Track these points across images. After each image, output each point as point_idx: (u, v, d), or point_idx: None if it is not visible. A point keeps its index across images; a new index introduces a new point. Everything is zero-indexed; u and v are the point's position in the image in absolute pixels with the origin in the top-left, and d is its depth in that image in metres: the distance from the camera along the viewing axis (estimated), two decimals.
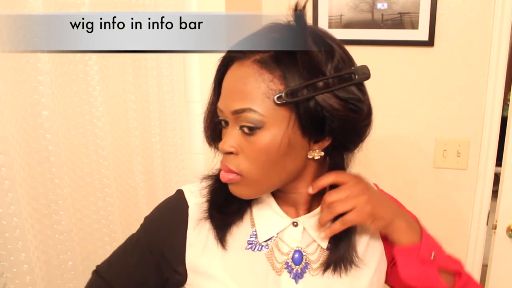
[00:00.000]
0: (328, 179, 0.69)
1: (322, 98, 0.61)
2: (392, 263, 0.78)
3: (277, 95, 0.61)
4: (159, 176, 1.26)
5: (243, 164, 0.64)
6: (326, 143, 0.66)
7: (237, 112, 0.63)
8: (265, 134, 0.62)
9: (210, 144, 0.73)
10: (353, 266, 0.72)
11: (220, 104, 0.66)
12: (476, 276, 1.51)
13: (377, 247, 0.77)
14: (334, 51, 0.64)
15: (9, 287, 0.84)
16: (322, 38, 0.65)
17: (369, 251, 0.76)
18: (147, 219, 0.78)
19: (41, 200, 0.91)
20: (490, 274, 1.44)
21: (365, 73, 0.64)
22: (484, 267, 1.49)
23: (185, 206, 0.74)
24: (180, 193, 0.76)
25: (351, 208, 0.67)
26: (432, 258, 0.70)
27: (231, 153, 0.65)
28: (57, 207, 0.93)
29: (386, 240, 0.76)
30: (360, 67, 0.65)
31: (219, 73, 0.68)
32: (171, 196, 0.78)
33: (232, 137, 0.65)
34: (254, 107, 0.62)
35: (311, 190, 0.70)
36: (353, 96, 0.63)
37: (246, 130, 0.63)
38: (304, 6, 0.63)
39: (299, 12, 0.63)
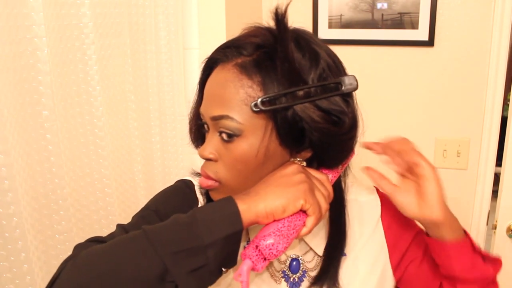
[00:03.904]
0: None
1: (301, 108, 0.58)
2: (403, 269, 0.75)
3: (254, 103, 0.58)
4: (159, 176, 1.26)
5: (222, 171, 0.62)
6: (308, 154, 0.63)
7: (216, 119, 0.61)
8: (243, 142, 0.60)
9: (196, 147, 0.72)
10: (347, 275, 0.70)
11: (202, 108, 0.65)
12: None
13: (380, 257, 0.73)
14: (319, 58, 0.60)
15: (9, 287, 0.84)
16: (308, 44, 0.61)
17: (370, 262, 0.72)
18: (158, 195, 0.75)
19: (41, 200, 0.91)
20: None
21: (352, 84, 0.61)
22: None
23: (193, 187, 0.73)
24: (184, 180, 0.75)
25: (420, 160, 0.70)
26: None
27: (210, 159, 0.63)
28: (57, 207, 0.93)
29: (395, 250, 0.74)
30: (347, 77, 0.61)
31: (203, 75, 0.67)
32: (177, 181, 0.76)
33: (211, 143, 0.63)
34: (232, 114, 0.59)
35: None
36: (336, 107, 0.60)
37: (224, 137, 0.61)
38: (286, 10, 0.59)
39: (279, 16, 0.59)
